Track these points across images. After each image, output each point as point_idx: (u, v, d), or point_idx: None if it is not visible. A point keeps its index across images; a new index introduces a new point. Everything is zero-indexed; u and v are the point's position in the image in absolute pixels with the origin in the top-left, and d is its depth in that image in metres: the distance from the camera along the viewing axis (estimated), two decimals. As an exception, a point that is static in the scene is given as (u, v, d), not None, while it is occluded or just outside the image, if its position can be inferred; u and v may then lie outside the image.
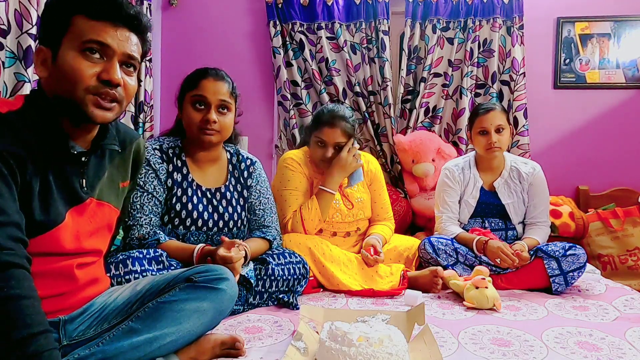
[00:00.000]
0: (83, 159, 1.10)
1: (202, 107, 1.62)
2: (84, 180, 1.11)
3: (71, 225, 1.08)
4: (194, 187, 1.67)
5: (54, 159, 1.05)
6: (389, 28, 2.91)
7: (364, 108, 2.94)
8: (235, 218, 1.72)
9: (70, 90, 1.00)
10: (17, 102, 1.04)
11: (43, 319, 0.88)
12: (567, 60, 2.93)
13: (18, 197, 0.96)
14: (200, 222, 1.65)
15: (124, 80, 1.06)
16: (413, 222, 2.91)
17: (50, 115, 1.04)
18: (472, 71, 2.91)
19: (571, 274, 1.88)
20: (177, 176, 1.66)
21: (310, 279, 1.81)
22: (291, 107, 3.02)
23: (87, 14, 1.01)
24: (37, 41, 1.07)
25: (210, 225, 1.67)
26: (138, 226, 1.54)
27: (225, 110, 1.65)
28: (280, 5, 2.97)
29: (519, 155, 2.68)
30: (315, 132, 2.04)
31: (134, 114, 2.81)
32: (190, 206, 1.64)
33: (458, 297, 1.81)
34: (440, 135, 2.97)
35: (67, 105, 1.02)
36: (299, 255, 1.77)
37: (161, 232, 1.57)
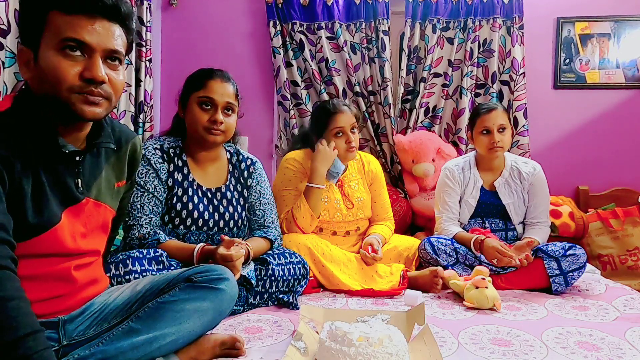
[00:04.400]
0: (77, 158, 1.08)
1: (209, 107, 1.63)
2: (79, 180, 1.09)
3: (68, 225, 1.06)
4: (195, 187, 1.68)
5: (46, 159, 1.03)
6: (389, 28, 2.91)
7: (364, 108, 2.94)
8: (236, 218, 1.73)
9: (55, 92, 0.97)
10: (5, 102, 1.03)
11: (31, 320, 0.85)
12: (567, 60, 2.93)
13: (8, 199, 0.94)
14: (200, 222, 1.65)
15: (109, 76, 1.02)
16: (413, 222, 2.91)
17: (39, 115, 1.02)
18: (472, 71, 2.91)
19: (571, 274, 1.88)
20: (178, 176, 1.66)
21: (310, 279, 1.81)
22: (291, 107, 3.02)
23: (62, 8, 0.97)
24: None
25: (211, 225, 1.67)
26: (138, 226, 1.54)
27: (230, 112, 1.67)
28: (280, 5, 2.97)
29: (519, 155, 2.68)
30: (329, 126, 2.05)
31: (134, 114, 2.80)
32: (190, 206, 1.64)
33: (458, 297, 1.81)
34: (440, 135, 2.97)
35: (55, 105, 0.99)
36: (299, 255, 1.77)
37: (161, 232, 1.57)
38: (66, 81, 0.97)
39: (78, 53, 0.98)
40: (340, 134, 2.05)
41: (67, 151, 1.04)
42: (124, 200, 1.31)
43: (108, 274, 1.33)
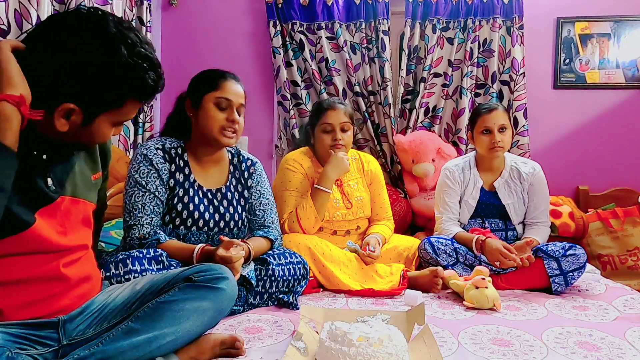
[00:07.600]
0: (44, 156, 1.05)
1: (225, 108, 1.64)
2: (49, 179, 1.06)
3: (44, 226, 1.04)
4: (196, 188, 1.67)
5: None
6: (389, 28, 2.91)
7: (364, 108, 2.94)
8: (236, 218, 1.72)
9: (80, 143, 1.09)
10: None
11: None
12: (567, 60, 2.93)
13: None
14: (201, 223, 1.65)
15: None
16: (413, 222, 2.91)
17: None
18: (472, 71, 2.91)
19: (571, 274, 1.88)
20: (179, 176, 1.66)
21: (310, 279, 1.81)
22: (291, 107, 3.02)
23: (139, 98, 1.07)
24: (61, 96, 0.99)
25: (211, 225, 1.67)
26: (139, 226, 1.54)
27: (240, 113, 1.68)
28: (280, 5, 2.97)
29: (519, 155, 2.68)
30: (320, 121, 2.09)
31: (133, 114, 2.80)
32: (191, 206, 1.64)
33: (458, 297, 1.81)
34: (440, 135, 2.97)
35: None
36: (299, 255, 1.77)
37: (161, 232, 1.57)
38: (101, 140, 1.11)
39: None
40: (329, 129, 2.07)
41: (34, 153, 1.02)
42: (100, 191, 1.28)
43: (108, 274, 1.34)
